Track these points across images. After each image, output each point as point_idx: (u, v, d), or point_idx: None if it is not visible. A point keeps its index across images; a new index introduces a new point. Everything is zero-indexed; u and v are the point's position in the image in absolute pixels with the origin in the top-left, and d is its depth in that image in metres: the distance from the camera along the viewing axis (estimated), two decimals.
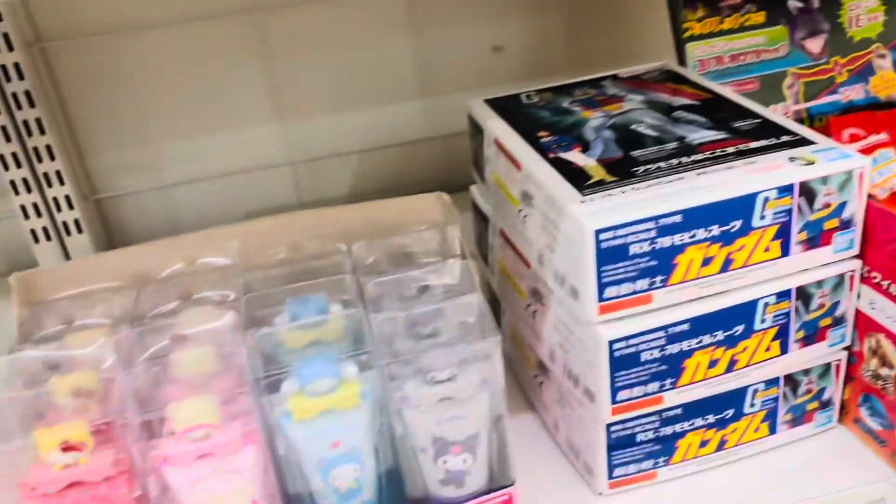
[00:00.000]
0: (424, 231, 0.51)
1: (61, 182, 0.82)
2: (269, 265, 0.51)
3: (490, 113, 0.59)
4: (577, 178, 0.49)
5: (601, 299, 0.46)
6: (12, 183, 0.81)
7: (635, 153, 0.51)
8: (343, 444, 0.46)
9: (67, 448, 0.41)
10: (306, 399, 0.44)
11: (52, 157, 0.80)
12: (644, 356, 0.48)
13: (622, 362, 0.48)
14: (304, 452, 0.45)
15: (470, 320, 0.46)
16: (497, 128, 0.57)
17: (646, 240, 0.45)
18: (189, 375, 0.44)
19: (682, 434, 0.52)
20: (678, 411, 0.51)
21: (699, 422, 0.52)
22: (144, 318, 0.47)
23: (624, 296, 0.46)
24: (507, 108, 0.60)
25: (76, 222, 0.84)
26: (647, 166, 0.49)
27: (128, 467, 0.43)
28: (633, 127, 0.54)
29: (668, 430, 0.52)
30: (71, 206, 0.83)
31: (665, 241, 0.46)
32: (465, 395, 0.45)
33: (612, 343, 0.47)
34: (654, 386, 0.49)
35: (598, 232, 0.44)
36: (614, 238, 0.45)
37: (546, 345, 0.54)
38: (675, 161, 0.49)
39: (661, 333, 0.47)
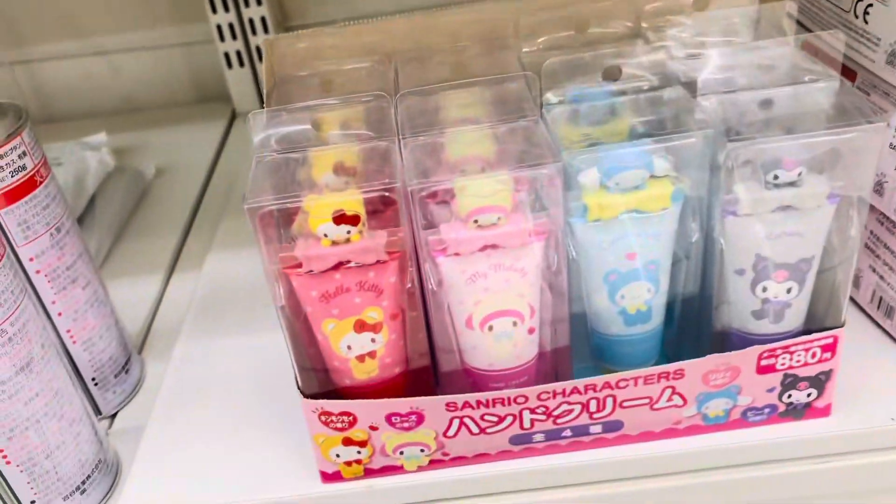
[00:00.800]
0: (740, 8, 0.40)
1: (258, 2, 0.76)
2: (543, 49, 0.42)
3: None
4: None
5: None
6: (211, 1, 0.76)
7: None
8: (639, 257, 0.38)
9: (340, 219, 0.35)
10: (607, 195, 0.36)
11: None
12: None
13: None
14: (593, 260, 0.38)
15: (822, 109, 0.36)
16: None
17: None
18: (469, 156, 0.37)
19: None
20: None
21: None
22: (406, 93, 0.40)
23: None
24: None
25: None
26: None
27: (401, 252, 0.36)
28: None
29: None
30: (266, 30, 0.78)
31: None
32: (810, 206, 0.36)
33: None
34: None
35: None
36: None
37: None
38: None
39: None
